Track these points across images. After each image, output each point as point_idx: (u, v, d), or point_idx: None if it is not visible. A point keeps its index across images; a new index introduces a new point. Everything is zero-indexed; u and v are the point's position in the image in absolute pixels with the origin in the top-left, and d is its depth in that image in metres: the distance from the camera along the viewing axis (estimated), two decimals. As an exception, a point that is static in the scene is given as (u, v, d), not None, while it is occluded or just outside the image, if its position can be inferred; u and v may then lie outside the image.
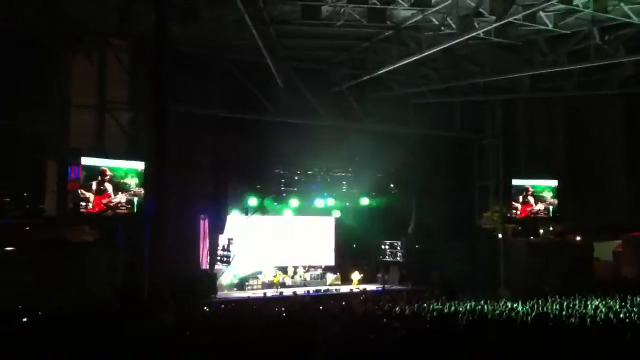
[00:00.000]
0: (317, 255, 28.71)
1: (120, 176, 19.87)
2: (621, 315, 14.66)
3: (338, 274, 28.11)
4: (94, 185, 19.41)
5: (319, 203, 27.86)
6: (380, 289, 26.48)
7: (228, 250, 24.72)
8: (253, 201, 26.13)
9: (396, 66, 20.41)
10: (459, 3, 17.04)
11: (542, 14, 17.86)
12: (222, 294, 24.07)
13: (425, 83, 23.99)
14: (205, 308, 19.31)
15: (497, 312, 16.37)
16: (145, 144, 20.58)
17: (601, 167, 27.69)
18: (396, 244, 28.70)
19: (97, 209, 19.42)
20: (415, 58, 19.65)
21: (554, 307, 17.22)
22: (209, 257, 24.11)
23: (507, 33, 18.75)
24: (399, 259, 28.55)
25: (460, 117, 26.23)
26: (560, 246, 27.48)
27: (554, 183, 27.09)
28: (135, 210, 20.07)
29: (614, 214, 27.22)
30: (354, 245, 29.65)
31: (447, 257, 26.96)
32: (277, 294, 24.28)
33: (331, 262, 28.86)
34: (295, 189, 27.44)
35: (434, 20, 18.33)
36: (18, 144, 19.07)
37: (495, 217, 27.02)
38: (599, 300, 18.93)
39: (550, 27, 18.48)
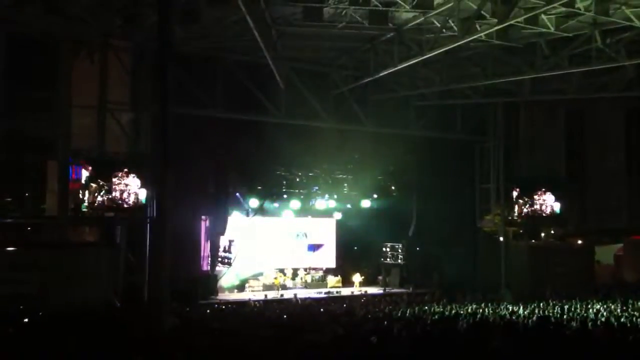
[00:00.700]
0: (318, 257, 28.70)
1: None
2: (622, 319, 14.63)
3: (339, 276, 28.08)
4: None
5: (320, 204, 27.86)
6: (381, 291, 26.47)
7: (229, 252, 24.72)
8: (254, 202, 26.14)
9: (397, 68, 20.40)
10: (460, 5, 17.02)
11: (543, 16, 17.84)
12: (223, 296, 24.06)
13: (426, 85, 23.98)
14: (207, 310, 19.30)
15: (498, 315, 16.34)
16: (147, 144, 20.60)
17: (602, 170, 27.67)
18: (397, 246, 28.67)
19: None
20: (417, 60, 19.64)
21: (555, 310, 17.19)
22: (209, 259, 24.10)
23: (509, 35, 18.73)
24: (399, 261, 28.52)
25: (461, 119, 26.23)
26: (562, 249, 27.44)
27: (555, 186, 27.02)
28: (136, 211, 20.04)
29: (615, 217, 27.22)
30: (355, 247, 29.63)
31: (447, 260, 26.96)
32: (278, 296, 24.25)
33: (332, 264, 28.84)
34: (296, 191, 27.45)
35: (435, 22, 18.32)
36: (19, 144, 19.07)
37: (496, 219, 26.99)
38: (600, 303, 18.89)
39: (552, 29, 18.47)
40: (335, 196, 28.07)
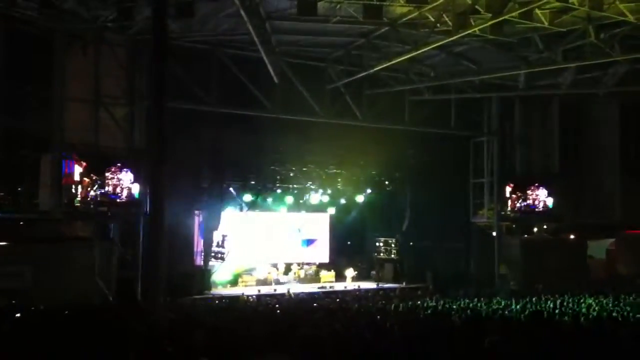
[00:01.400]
0: (312, 251, 28.72)
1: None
2: (614, 314, 14.69)
3: (332, 270, 28.11)
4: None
5: (314, 199, 27.87)
6: (375, 286, 26.51)
7: (222, 247, 24.68)
8: (247, 197, 26.13)
9: (392, 63, 20.40)
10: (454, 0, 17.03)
11: (537, 11, 17.85)
12: (216, 291, 24.05)
13: (420, 80, 23.99)
14: (200, 305, 19.29)
15: (491, 309, 16.38)
16: (141, 139, 20.55)
17: (596, 165, 27.76)
18: (390, 241, 28.73)
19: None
20: (411, 55, 19.63)
21: (548, 305, 17.24)
22: (203, 253, 24.07)
23: (503, 30, 18.74)
24: (393, 255, 28.58)
25: (456, 114, 26.23)
26: (554, 244, 27.52)
27: (549, 181, 27.08)
28: (130, 205, 20.00)
29: (607, 212, 27.31)
30: (349, 242, 29.68)
31: (441, 255, 27.03)
32: (271, 291, 24.26)
33: (325, 259, 28.87)
34: (290, 186, 27.44)
35: (429, 17, 18.30)
36: (12, 138, 18.98)
37: (489, 214, 27.06)
38: (592, 298, 18.97)
39: (546, 24, 18.49)
40: (329, 191, 28.09)
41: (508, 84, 24.49)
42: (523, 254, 26.67)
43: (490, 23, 17.41)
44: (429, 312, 15.85)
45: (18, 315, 14.12)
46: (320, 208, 28.55)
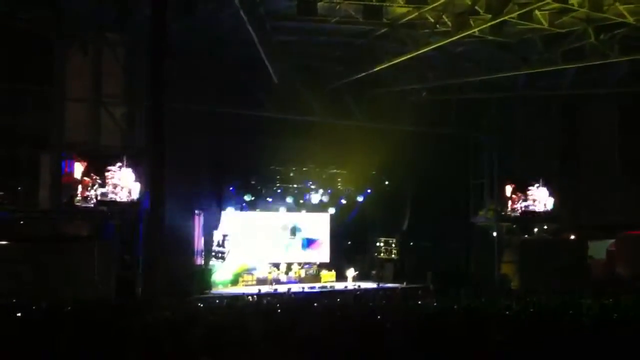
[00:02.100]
0: (312, 251, 28.73)
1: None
2: (614, 314, 14.67)
3: (333, 270, 28.11)
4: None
5: (314, 199, 27.87)
6: (375, 285, 26.51)
7: (222, 246, 24.69)
8: (248, 197, 26.13)
9: (391, 63, 20.41)
10: (454, 0, 17.04)
11: (537, 12, 17.87)
12: (216, 290, 24.06)
13: (420, 80, 23.99)
14: (201, 304, 19.26)
15: (491, 310, 16.36)
16: (141, 138, 20.55)
17: (596, 166, 27.74)
18: (391, 241, 28.72)
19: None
20: (411, 55, 19.65)
21: (548, 305, 17.21)
22: (203, 253, 24.08)
23: (503, 31, 18.76)
24: (393, 255, 28.57)
25: (456, 114, 26.22)
26: (555, 244, 27.51)
27: (549, 181, 27.08)
28: (130, 205, 20.01)
29: (608, 212, 27.27)
30: (349, 242, 29.67)
31: (441, 254, 27.02)
32: (272, 290, 24.26)
33: (326, 258, 28.88)
34: (291, 185, 27.45)
35: (429, 17, 18.32)
36: (12, 137, 19.00)
37: (489, 214, 27.06)
38: (593, 299, 18.94)
39: (545, 25, 18.50)
40: (330, 191, 28.10)
41: (508, 84, 24.49)
42: (523, 254, 26.68)
43: (489, 24, 17.43)
44: (430, 311, 15.84)
45: (19, 314, 14.14)
46: (320, 208, 28.55)
